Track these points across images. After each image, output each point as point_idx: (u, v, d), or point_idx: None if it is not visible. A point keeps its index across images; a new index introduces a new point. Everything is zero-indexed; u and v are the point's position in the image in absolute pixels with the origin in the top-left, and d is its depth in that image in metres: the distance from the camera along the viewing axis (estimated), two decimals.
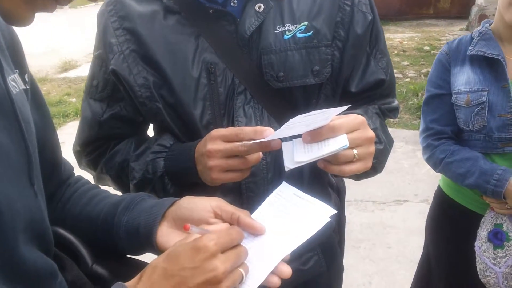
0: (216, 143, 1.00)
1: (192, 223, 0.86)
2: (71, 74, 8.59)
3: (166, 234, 0.89)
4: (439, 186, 2.01)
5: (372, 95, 1.22)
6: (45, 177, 0.92)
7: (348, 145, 0.91)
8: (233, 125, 1.11)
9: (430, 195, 3.84)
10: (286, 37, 1.10)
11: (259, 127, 0.97)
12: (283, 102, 1.14)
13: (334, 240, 1.31)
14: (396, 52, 8.45)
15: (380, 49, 1.21)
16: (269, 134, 0.95)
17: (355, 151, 0.93)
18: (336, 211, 0.88)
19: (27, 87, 0.86)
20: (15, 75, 0.80)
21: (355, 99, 1.20)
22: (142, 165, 1.14)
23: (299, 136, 0.94)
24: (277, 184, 1.11)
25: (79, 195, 1.02)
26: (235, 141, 0.99)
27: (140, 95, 1.12)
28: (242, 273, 0.76)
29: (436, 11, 11.44)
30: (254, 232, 0.85)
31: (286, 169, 0.93)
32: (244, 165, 1.02)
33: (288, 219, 0.89)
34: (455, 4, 11.32)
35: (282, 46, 1.10)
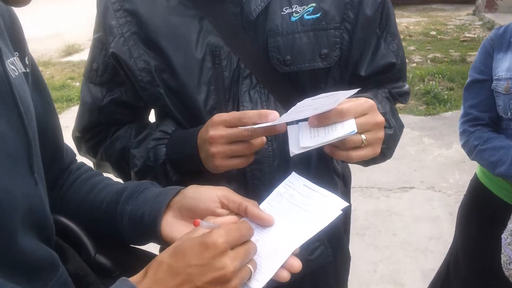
0: (218, 129, 0.96)
1: (198, 213, 0.85)
2: (75, 58, 8.55)
3: (171, 224, 0.87)
4: (475, 174, 1.97)
5: (382, 79, 1.18)
6: (46, 163, 0.90)
7: (356, 130, 0.87)
8: (237, 110, 1.07)
9: (436, 182, 3.85)
10: (293, 19, 1.06)
11: (263, 110, 0.93)
12: (290, 87, 1.11)
13: (340, 229, 1.29)
14: (402, 37, 8.34)
15: (390, 31, 1.17)
16: (274, 117, 0.91)
17: (363, 136, 0.89)
18: (348, 204, 0.84)
19: (27, 70, 0.83)
20: (15, 57, 0.78)
21: (364, 83, 1.16)
22: (143, 152, 1.11)
23: (305, 119, 0.90)
24: (284, 171, 1.08)
25: (81, 182, 1.00)
26: (238, 125, 0.95)
27: (141, 79, 1.09)
28: (251, 270, 0.74)
29: None
30: (263, 223, 0.82)
31: (291, 154, 0.89)
32: (248, 150, 0.97)
33: (298, 211, 0.85)
34: None
35: (289, 28, 1.06)
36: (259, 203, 0.86)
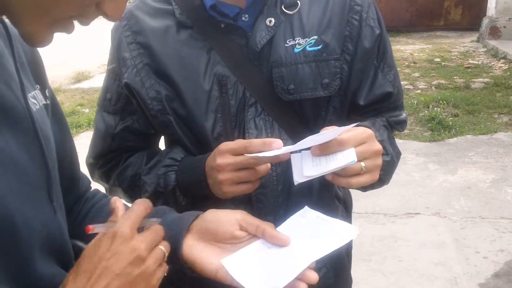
0: (225, 157, 1.03)
1: (217, 236, 0.91)
2: (84, 84, 8.66)
3: (192, 246, 0.91)
4: None
5: (380, 108, 1.24)
6: (64, 191, 0.93)
7: (356, 160, 0.93)
8: (244, 137, 1.13)
9: (441, 208, 3.87)
10: (296, 50, 1.12)
11: (267, 139, 1.00)
12: (293, 114, 1.17)
13: (342, 252, 1.32)
14: (406, 63, 8.45)
15: (387, 62, 1.23)
16: (278, 145, 0.97)
17: (362, 164, 0.95)
18: (358, 232, 0.91)
19: (48, 102, 0.88)
20: (36, 91, 0.82)
21: (363, 112, 1.22)
22: (153, 179, 1.16)
23: (307, 149, 0.96)
24: (287, 195, 1.15)
25: (97, 209, 1.04)
26: (244, 153, 1.01)
27: (152, 108, 1.15)
28: (163, 250, 0.77)
29: (447, 22, 11.43)
30: (279, 243, 0.89)
31: (295, 183, 0.95)
32: (254, 176, 1.04)
33: (312, 234, 0.91)
34: (465, 15, 11.31)
35: (292, 59, 1.12)
36: (282, 216, 0.94)
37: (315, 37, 1.13)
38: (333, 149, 0.94)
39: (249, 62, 1.13)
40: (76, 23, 0.67)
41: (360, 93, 1.20)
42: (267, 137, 1.13)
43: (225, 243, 0.92)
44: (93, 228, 0.74)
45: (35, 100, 0.80)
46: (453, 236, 3.51)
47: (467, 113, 6.08)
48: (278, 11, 1.12)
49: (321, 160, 0.95)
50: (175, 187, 1.13)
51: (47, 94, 0.88)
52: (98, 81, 8.53)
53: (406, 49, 9.61)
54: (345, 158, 0.92)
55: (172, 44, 1.14)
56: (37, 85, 0.84)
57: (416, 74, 7.82)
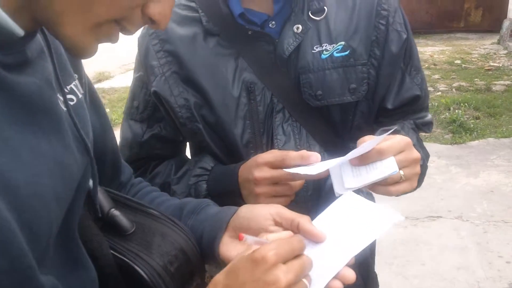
0: (262, 170, 1.03)
1: (252, 232, 0.86)
2: (105, 84, 8.73)
3: (227, 243, 0.91)
4: None
5: (407, 110, 1.24)
6: (108, 179, 0.96)
7: (398, 170, 0.92)
8: (272, 143, 1.14)
9: (464, 211, 3.83)
10: (323, 56, 1.12)
11: (305, 152, 1.00)
12: (321, 119, 1.17)
13: (368, 256, 1.32)
14: (427, 65, 8.38)
15: (414, 65, 1.23)
16: (316, 159, 0.98)
17: (401, 172, 0.94)
18: (403, 218, 0.87)
19: (85, 91, 0.87)
20: (76, 81, 0.81)
21: (390, 115, 1.22)
22: (184, 188, 1.17)
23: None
24: (316, 200, 1.16)
25: (141, 194, 1.05)
26: (281, 167, 1.01)
27: (181, 115, 1.15)
28: (306, 285, 0.73)
29: (467, 24, 11.30)
30: (315, 239, 0.83)
31: (336, 195, 0.94)
32: (290, 191, 1.05)
33: (351, 223, 0.87)
34: (486, 17, 11.18)
35: (320, 65, 1.12)
36: (313, 218, 0.87)
37: (343, 42, 1.13)
38: (373, 159, 0.93)
39: (277, 69, 1.13)
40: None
41: (388, 97, 1.20)
42: (295, 143, 1.14)
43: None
44: (244, 238, 0.74)
45: (74, 93, 0.78)
46: (475, 240, 3.48)
47: (489, 116, 6.01)
48: (305, 17, 1.12)
49: (361, 170, 0.94)
50: (206, 197, 1.13)
51: (84, 82, 0.87)
52: (118, 81, 8.58)
53: (426, 51, 9.53)
54: (386, 168, 0.92)
55: (200, 51, 1.14)
56: (76, 75, 0.82)
57: (436, 76, 7.75)
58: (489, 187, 4.23)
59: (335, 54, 1.12)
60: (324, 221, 0.88)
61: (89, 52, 0.64)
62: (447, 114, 6.03)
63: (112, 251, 0.82)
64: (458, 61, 8.60)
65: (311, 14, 1.13)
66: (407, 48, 1.20)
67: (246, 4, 1.12)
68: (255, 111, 1.14)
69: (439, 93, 6.94)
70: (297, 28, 1.11)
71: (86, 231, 0.79)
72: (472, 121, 5.83)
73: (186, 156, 1.33)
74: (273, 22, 1.13)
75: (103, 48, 0.69)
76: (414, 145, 1.09)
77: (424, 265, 3.26)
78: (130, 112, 1.25)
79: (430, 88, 7.05)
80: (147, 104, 1.22)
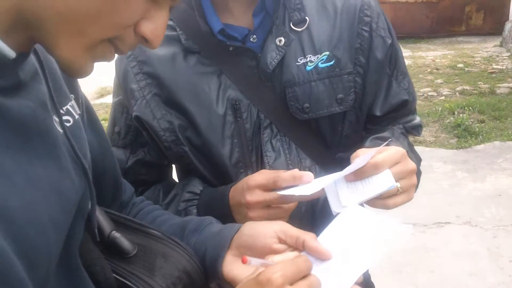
0: (254, 194, 1.00)
1: (255, 250, 0.85)
2: (108, 99, 8.73)
3: (230, 263, 0.88)
4: None
5: (395, 116, 1.22)
6: (108, 199, 0.94)
7: (395, 185, 0.90)
8: (262, 161, 1.11)
9: (472, 217, 3.79)
10: (308, 68, 1.10)
11: (297, 172, 0.97)
12: (309, 132, 1.15)
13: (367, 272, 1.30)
14: (429, 70, 8.36)
15: (400, 69, 1.21)
16: (308, 179, 0.95)
17: (398, 185, 0.92)
18: (409, 228, 0.85)
19: (81, 111, 0.85)
20: (72, 102, 0.79)
21: (379, 121, 1.21)
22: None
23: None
24: (311, 216, 1.13)
25: (143, 214, 1.03)
26: (273, 188, 0.98)
27: (165, 139, 1.12)
28: None
29: (468, 28, 11.29)
30: (321, 257, 0.81)
31: (334, 213, 0.91)
32: (284, 214, 1.02)
33: (358, 239, 0.84)
34: (487, 20, 11.16)
35: (305, 77, 1.10)
36: (318, 234, 0.85)
37: (327, 52, 1.10)
38: (368, 173, 0.90)
39: (261, 84, 1.11)
40: None
41: (376, 103, 1.18)
42: (286, 158, 1.12)
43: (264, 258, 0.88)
44: (248, 260, 0.73)
45: (69, 114, 0.77)
46: (485, 246, 3.44)
47: (494, 119, 5.97)
48: (287, 29, 1.09)
49: (357, 185, 0.91)
50: None
51: (81, 102, 0.86)
52: None
53: (428, 55, 9.51)
54: (383, 182, 0.90)
55: (180, 71, 1.10)
56: (72, 95, 0.81)
57: (439, 81, 7.73)
58: (497, 191, 4.19)
59: (320, 65, 1.10)
60: (330, 237, 0.85)
61: (85, 71, 0.64)
62: (451, 118, 6.00)
63: (114, 275, 0.80)
64: (461, 65, 8.57)
65: (293, 25, 1.10)
66: (392, 53, 1.18)
67: (225, 19, 1.09)
68: (243, 129, 1.11)
69: (443, 97, 6.91)
70: (280, 40, 1.08)
71: (88, 255, 0.77)
72: (477, 125, 5.79)
73: (173, 180, 1.31)
74: (254, 36, 1.09)
75: (105, 63, 0.69)
76: (406, 152, 1.06)
77: (434, 272, 3.22)
78: (112, 139, 1.20)
79: (433, 93, 7.05)
80: (128, 129, 1.18)
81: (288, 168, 1.12)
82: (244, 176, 1.12)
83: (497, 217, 3.78)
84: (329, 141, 1.17)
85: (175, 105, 1.11)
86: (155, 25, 0.64)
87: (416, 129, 1.28)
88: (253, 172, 1.12)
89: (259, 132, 1.12)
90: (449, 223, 3.78)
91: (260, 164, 1.13)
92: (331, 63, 1.10)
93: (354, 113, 1.16)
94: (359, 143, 1.20)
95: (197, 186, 1.14)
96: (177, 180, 1.29)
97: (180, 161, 1.16)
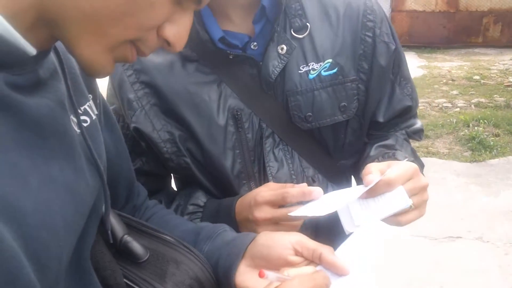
0: (263, 210, 0.97)
1: (270, 262, 0.83)
2: None
3: (244, 273, 0.85)
4: None
5: (398, 121, 1.21)
6: (123, 201, 0.93)
7: (411, 203, 0.88)
8: (264, 171, 1.09)
9: (484, 232, 3.74)
10: (311, 76, 1.07)
11: (306, 188, 0.94)
12: (312, 141, 1.13)
13: None
14: (444, 81, 8.30)
15: (404, 75, 1.19)
16: (318, 195, 0.92)
17: (411, 202, 0.90)
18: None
19: (99, 111, 0.85)
20: (90, 101, 0.79)
21: (381, 127, 1.19)
22: None
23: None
24: (314, 229, 1.11)
25: (156, 218, 1.02)
26: (282, 204, 0.96)
27: (166, 151, 1.09)
28: None
29: (485, 39, 11.21)
30: (338, 272, 0.79)
31: (347, 233, 0.89)
32: (292, 229, 0.98)
33: (375, 256, 0.82)
34: (505, 33, 11.08)
35: (308, 86, 1.07)
36: (336, 248, 0.83)
37: (330, 60, 1.08)
38: (382, 190, 0.88)
39: (263, 93, 1.08)
40: None
41: (379, 110, 1.17)
42: (289, 168, 1.10)
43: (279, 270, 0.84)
44: (265, 275, 0.71)
45: (87, 115, 0.76)
46: (497, 263, 3.38)
47: (509, 133, 5.89)
48: (289, 36, 1.06)
49: (369, 203, 0.89)
50: None
51: (98, 102, 0.85)
52: None
53: (444, 66, 9.45)
54: (398, 201, 0.87)
55: (179, 80, 1.07)
56: (90, 95, 0.80)
57: (455, 92, 7.66)
58: (510, 207, 4.13)
59: (323, 73, 1.07)
60: (347, 251, 0.83)
61: (105, 72, 0.63)
62: (466, 131, 5.93)
63: (125, 280, 0.79)
64: (477, 77, 8.49)
65: (294, 32, 1.06)
66: (395, 58, 1.16)
67: (225, 26, 1.05)
68: (244, 139, 1.08)
69: (458, 109, 6.84)
70: (282, 48, 1.05)
71: (99, 258, 0.76)
72: (492, 138, 5.72)
73: (173, 190, 1.28)
74: (255, 44, 1.06)
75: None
76: (413, 161, 1.04)
77: (443, 286, 3.17)
78: None
79: (448, 104, 6.99)
80: (125, 137, 1.12)
81: (291, 178, 1.11)
82: (247, 187, 1.11)
83: (509, 234, 3.72)
84: (331, 149, 1.15)
85: (174, 115, 1.08)
86: (179, 29, 0.63)
87: (418, 134, 1.27)
88: (256, 183, 1.11)
89: (261, 142, 1.09)
90: (460, 237, 3.72)
91: (263, 175, 1.11)
92: (334, 70, 1.08)
93: (357, 120, 1.15)
94: (361, 149, 1.21)
95: (200, 198, 1.12)
96: (175, 189, 1.26)
97: (181, 172, 1.13)
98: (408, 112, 1.21)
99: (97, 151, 0.74)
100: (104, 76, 0.64)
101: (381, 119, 1.17)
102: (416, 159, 1.15)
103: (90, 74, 0.64)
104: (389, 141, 1.15)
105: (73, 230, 0.64)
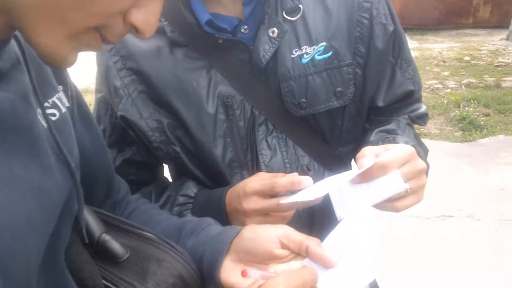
0: (252, 201, 0.95)
1: (256, 255, 0.80)
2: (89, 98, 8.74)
3: (228, 268, 0.82)
4: None
5: (400, 106, 1.16)
6: (102, 198, 0.89)
7: (406, 187, 0.84)
8: (257, 160, 1.06)
9: (475, 211, 3.79)
10: (304, 61, 1.02)
11: (296, 177, 0.90)
12: (307, 128, 1.09)
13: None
14: (435, 62, 8.31)
15: (405, 57, 1.13)
16: (308, 183, 0.88)
17: (407, 186, 0.85)
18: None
19: (70, 103, 0.79)
20: (59, 93, 0.73)
21: (382, 112, 1.14)
22: None
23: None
24: (309, 219, 1.08)
25: (138, 213, 0.99)
26: (271, 194, 0.93)
27: (154, 139, 1.06)
28: None
29: (476, 20, 11.20)
30: (325, 264, 0.76)
31: (339, 219, 0.85)
32: (282, 221, 0.96)
33: (365, 245, 0.78)
34: (495, 13, 11.07)
35: (301, 71, 1.02)
36: (323, 239, 0.81)
37: (324, 43, 1.02)
38: (375, 174, 0.84)
39: (254, 78, 1.04)
40: None
41: (378, 94, 1.11)
42: (282, 156, 1.06)
43: (265, 264, 0.81)
44: (248, 274, 0.69)
45: (56, 107, 0.71)
46: (488, 240, 3.43)
47: (499, 113, 5.94)
48: (280, 18, 1.01)
49: (363, 188, 0.84)
50: None
51: (70, 94, 0.79)
52: None
53: (435, 47, 9.45)
54: (392, 185, 0.83)
55: (167, 66, 1.03)
56: (60, 86, 0.75)
57: (446, 73, 7.68)
58: (500, 185, 4.18)
59: (317, 57, 1.02)
60: (335, 243, 0.80)
61: (67, 61, 0.58)
62: (457, 111, 5.97)
63: (103, 281, 0.75)
64: (467, 58, 8.51)
65: (286, 14, 1.01)
66: (395, 40, 1.10)
67: (213, 8, 1.00)
68: (236, 127, 1.05)
69: (448, 90, 6.87)
70: (273, 32, 1.00)
71: (75, 259, 0.72)
72: (482, 118, 5.76)
73: (166, 179, 1.24)
74: (245, 27, 1.01)
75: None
76: (414, 145, 0.98)
77: (436, 265, 3.22)
78: None
79: (439, 85, 7.01)
80: (114, 127, 1.11)
81: (285, 167, 1.07)
82: (239, 176, 1.08)
83: (499, 211, 3.77)
84: (328, 136, 1.11)
85: (162, 102, 1.04)
86: (147, 14, 0.58)
87: (422, 119, 1.21)
88: (249, 172, 1.07)
89: (253, 129, 1.06)
90: (452, 216, 3.77)
91: (255, 164, 1.07)
92: (329, 54, 1.03)
93: (354, 106, 1.10)
94: (361, 136, 1.16)
95: (191, 189, 1.09)
96: (170, 179, 1.23)
97: (171, 161, 1.10)
98: (410, 97, 1.15)
99: (67, 146, 0.68)
100: (67, 66, 0.59)
101: (380, 104, 1.11)
102: (419, 144, 1.09)
103: (51, 64, 0.59)
104: (390, 126, 1.10)
105: (41, 231, 0.59)
